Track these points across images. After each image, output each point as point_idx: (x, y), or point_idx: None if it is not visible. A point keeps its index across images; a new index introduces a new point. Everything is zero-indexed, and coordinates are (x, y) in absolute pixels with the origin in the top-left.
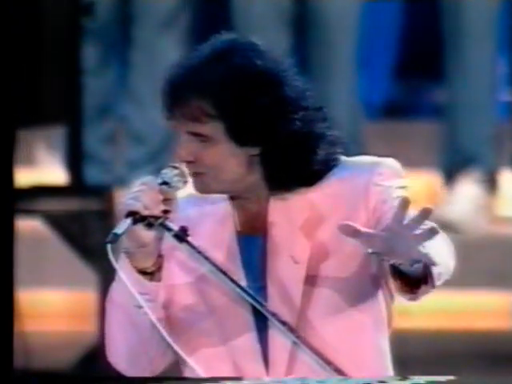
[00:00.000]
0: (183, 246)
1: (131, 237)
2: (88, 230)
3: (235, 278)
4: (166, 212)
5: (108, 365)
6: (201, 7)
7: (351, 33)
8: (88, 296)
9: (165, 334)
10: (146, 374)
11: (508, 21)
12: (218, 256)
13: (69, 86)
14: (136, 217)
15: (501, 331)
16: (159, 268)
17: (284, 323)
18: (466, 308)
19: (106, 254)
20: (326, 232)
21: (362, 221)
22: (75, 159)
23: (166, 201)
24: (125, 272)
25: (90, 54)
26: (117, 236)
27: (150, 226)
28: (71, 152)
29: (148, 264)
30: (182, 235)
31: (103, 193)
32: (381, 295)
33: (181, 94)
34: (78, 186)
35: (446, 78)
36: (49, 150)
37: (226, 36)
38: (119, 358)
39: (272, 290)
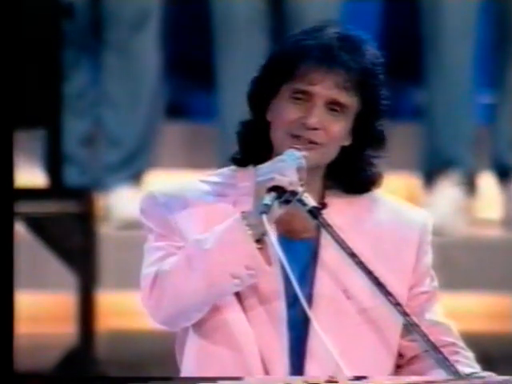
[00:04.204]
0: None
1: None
2: (67, 232)
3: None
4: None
5: (92, 366)
6: (176, 8)
7: None
8: (67, 298)
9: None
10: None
11: (487, 22)
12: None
13: (48, 89)
14: (279, 191)
15: (479, 333)
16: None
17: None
18: (444, 311)
19: (85, 256)
20: (373, 268)
21: (407, 267)
22: (54, 162)
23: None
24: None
25: (65, 55)
26: (268, 206)
27: (287, 202)
28: (50, 154)
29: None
30: (315, 212)
31: (82, 195)
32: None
33: (335, 62)
34: (57, 189)
35: (425, 80)
36: (24, 152)
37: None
38: (176, 306)
39: (315, 310)
